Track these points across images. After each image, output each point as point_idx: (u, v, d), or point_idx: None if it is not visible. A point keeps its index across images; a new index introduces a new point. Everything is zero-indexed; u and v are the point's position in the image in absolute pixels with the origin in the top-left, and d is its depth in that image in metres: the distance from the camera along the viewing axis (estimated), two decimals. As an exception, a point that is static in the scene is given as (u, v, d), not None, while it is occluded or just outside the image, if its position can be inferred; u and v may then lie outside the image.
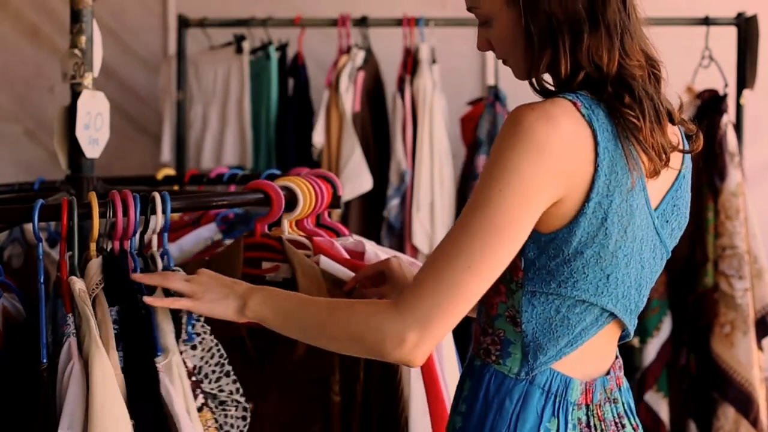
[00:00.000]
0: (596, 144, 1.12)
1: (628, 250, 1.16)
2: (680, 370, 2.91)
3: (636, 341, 2.88)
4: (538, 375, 1.19)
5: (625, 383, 1.27)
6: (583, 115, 1.12)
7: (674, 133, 1.22)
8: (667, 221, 1.22)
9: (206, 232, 1.83)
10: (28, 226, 1.64)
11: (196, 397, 1.27)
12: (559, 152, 1.09)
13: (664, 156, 1.16)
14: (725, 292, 2.79)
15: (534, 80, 1.19)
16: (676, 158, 1.21)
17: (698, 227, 2.84)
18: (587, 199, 1.12)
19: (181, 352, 1.28)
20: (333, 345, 1.20)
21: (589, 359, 1.21)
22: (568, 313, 1.16)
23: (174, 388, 1.23)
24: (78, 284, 1.27)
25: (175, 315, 1.30)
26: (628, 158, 1.13)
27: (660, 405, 2.88)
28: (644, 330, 2.88)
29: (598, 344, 1.21)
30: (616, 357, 1.27)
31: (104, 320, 1.26)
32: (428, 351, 1.11)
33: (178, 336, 1.29)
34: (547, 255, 1.14)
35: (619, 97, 1.14)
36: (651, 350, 2.88)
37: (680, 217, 1.24)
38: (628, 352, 2.90)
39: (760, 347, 2.83)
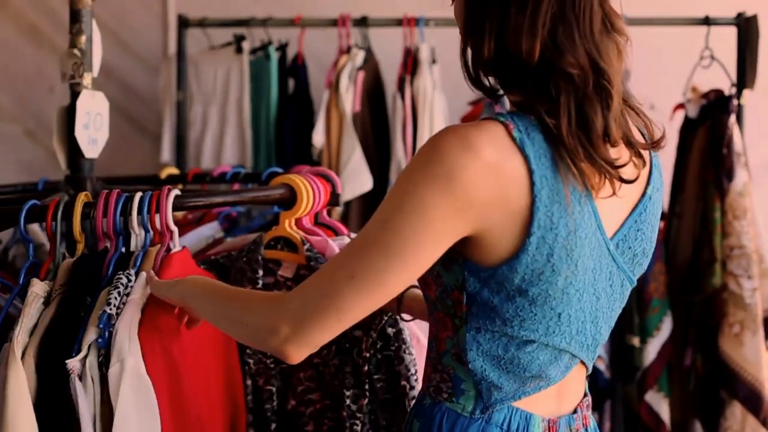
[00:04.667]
0: (530, 172, 1.03)
1: (579, 284, 1.08)
2: (686, 370, 2.91)
3: (636, 341, 2.88)
4: (495, 413, 1.12)
5: (592, 423, 1.21)
6: (515, 139, 1.04)
7: (636, 165, 1.11)
8: (630, 247, 1.14)
9: (208, 231, 1.83)
10: (32, 227, 1.64)
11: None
12: (473, 182, 1.01)
13: (607, 169, 1.05)
14: (734, 291, 2.78)
15: (476, 73, 1.11)
16: (639, 179, 1.12)
17: (705, 227, 2.84)
18: (528, 233, 1.03)
19: (100, 355, 1.24)
20: (224, 326, 1.21)
21: (553, 396, 1.15)
22: (517, 353, 1.09)
23: (84, 390, 1.20)
24: (35, 287, 1.29)
25: None
26: (564, 179, 1.04)
27: (661, 405, 2.87)
28: (644, 330, 2.87)
29: (563, 380, 1.15)
30: (585, 395, 1.21)
31: (42, 324, 1.25)
32: (302, 350, 1.07)
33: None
34: (489, 290, 1.07)
35: (537, 94, 1.06)
36: (651, 350, 2.87)
37: (645, 243, 1.16)
38: (628, 352, 2.90)
39: (767, 347, 2.82)
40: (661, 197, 1.20)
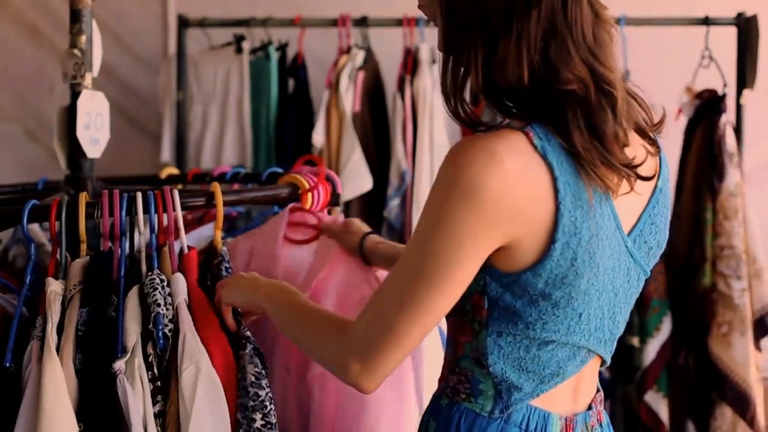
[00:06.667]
0: (554, 179, 1.02)
1: (600, 284, 1.08)
2: (679, 370, 2.91)
3: (636, 341, 2.88)
4: (514, 413, 1.12)
5: (605, 418, 1.22)
6: (536, 147, 1.03)
7: (643, 146, 1.12)
8: (645, 242, 1.14)
9: (208, 231, 1.82)
10: (32, 226, 1.64)
11: (155, 403, 1.23)
12: (500, 195, 1.00)
13: (627, 172, 1.05)
14: (723, 292, 2.78)
15: (455, 104, 1.11)
16: (650, 173, 1.12)
17: (697, 227, 2.84)
18: (552, 240, 1.03)
19: (148, 355, 1.24)
20: (303, 349, 1.27)
21: (569, 393, 1.16)
22: (539, 352, 1.10)
23: (133, 391, 1.20)
24: (52, 285, 1.28)
25: (148, 318, 1.28)
26: (586, 183, 1.03)
27: (660, 405, 2.88)
28: (644, 330, 2.88)
29: (579, 377, 1.15)
30: (598, 390, 1.22)
31: (70, 322, 1.25)
32: (375, 381, 1.09)
33: (149, 339, 1.26)
34: (511, 294, 1.07)
35: (538, 115, 1.04)
36: (651, 350, 2.88)
37: (659, 235, 1.16)
38: (628, 352, 2.90)
39: (758, 347, 2.83)
40: (670, 189, 1.19)
